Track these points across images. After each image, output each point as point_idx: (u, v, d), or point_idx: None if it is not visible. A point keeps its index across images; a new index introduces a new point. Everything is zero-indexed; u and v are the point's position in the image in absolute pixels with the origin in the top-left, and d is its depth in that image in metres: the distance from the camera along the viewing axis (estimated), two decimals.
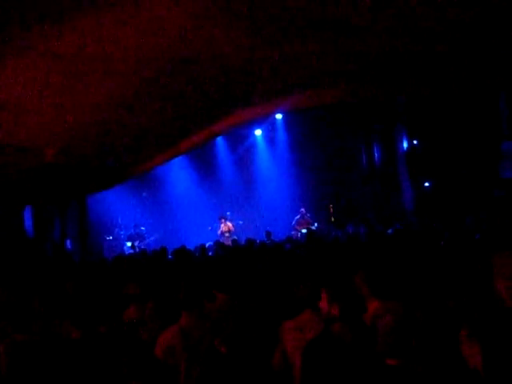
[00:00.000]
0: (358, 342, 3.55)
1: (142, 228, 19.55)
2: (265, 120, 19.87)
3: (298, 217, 19.30)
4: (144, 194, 20.89)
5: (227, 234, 18.93)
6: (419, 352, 3.47)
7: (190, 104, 11.10)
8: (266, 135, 22.09)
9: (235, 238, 16.85)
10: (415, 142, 19.62)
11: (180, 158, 18.76)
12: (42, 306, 5.72)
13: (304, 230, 18.23)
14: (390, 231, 13.57)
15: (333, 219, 19.81)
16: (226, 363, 3.81)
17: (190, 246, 12.80)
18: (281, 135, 21.79)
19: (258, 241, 13.81)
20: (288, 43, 9.03)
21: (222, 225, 19.28)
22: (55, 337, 5.26)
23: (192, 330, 4.74)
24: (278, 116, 20.50)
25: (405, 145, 19.88)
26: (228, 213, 19.84)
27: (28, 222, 17.35)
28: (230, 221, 19.59)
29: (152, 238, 19.40)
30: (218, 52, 9.12)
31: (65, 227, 18.55)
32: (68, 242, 18.17)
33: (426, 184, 19.31)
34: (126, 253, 17.95)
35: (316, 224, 19.25)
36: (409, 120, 19.43)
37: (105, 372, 4.38)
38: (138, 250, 17.60)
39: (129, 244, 18.93)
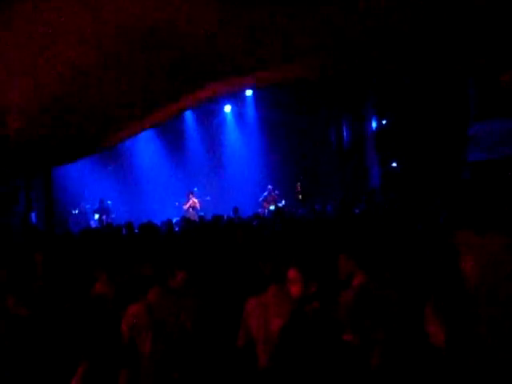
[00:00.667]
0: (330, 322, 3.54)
1: (109, 202, 19.41)
2: (234, 96, 19.77)
3: (266, 194, 19.35)
4: (110, 168, 20.68)
5: (192, 211, 18.88)
6: (379, 329, 3.48)
7: (158, 77, 10.94)
8: (235, 111, 22.00)
9: (202, 214, 16.81)
10: (384, 121, 19.70)
11: (148, 131, 18.59)
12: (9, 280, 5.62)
13: (272, 207, 18.26)
14: (356, 211, 13.67)
15: (300, 197, 19.87)
16: (191, 339, 3.79)
17: (157, 221, 12.73)
18: (250, 112, 21.72)
19: (225, 217, 13.78)
20: (258, 13, 8.92)
21: (190, 200, 19.20)
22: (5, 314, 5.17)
23: (158, 305, 4.71)
24: (248, 92, 20.43)
25: (374, 124, 19.96)
26: (195, 188, 19.77)
27: None
28: (198, 197, 19.52)
29: (117, 214, 19.27)
30: (187, 23, 8.98)
31: (30, 200, 18.30)
32: (33, 215, 17.94)
33: (394, 164, 19.43)
34: (93, 226, 17.82)
35: (283, 201, 19.29)
36: (378, 99, 19.48)
37: (58, 349, 4.33)
38: (104, 223, 17.45)
39: (96, 217, 18.78)
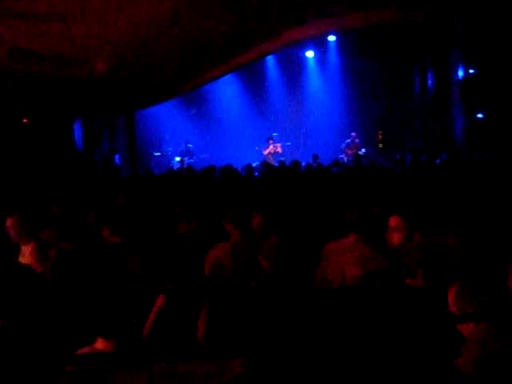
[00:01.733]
0: None
1: (190, 145, 19.67)
2: (317, 42, 19.46)
3: (349, 141, 19.17)
4: (193, 111, 20.90)
5: (271, 156, 18.90)
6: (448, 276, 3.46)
7: (243, 20, 10.89)
8: (317, 57, 21.64)
9: (282, 159, 16.83)
10: (471, 70, 18.96)
11: (230, 77, 18.60)
12: (96, 219, 5.86)
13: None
14: (437, 161, 13.37)
15: (380, 146, 19.55)
16: (270, 279, 3.87)
17: (237, 165, 12.86)
18: (333, 58, 21.29)
19: (304, 163, 13.80)
20: None
21: (270, 146, 19.23)
22: (98, 243, 5.42)
23: (240, 246, 4.83)
24: (331, 38, 19.99)
25: (460, 73, 19.26)
26: (275, 134, 19.75)
27: (78, 135, 17.64)
28: (278, 142, 19.51)
29: (201, 156, 19.56)
30: None
31: (113, 142, 18.81)
32: (117, 156, 18.45)
33: (479, 115, 18.79)
34: (174, 168, 18.14)
35: (364, 150, 19.05)
36: (466, 46, 18.70)
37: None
38: (185, 165, 17.72)
39: (177, 159, 19.09)
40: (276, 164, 15.76)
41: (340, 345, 3.44)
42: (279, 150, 19.25)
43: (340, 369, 3.34)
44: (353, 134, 19.25)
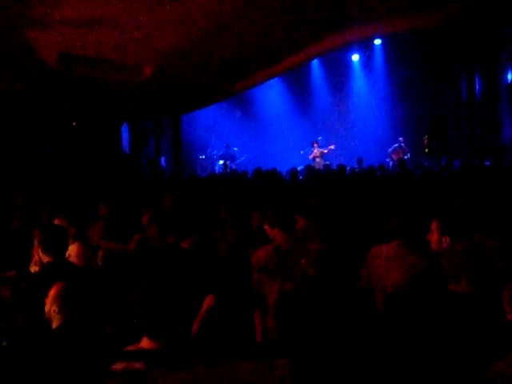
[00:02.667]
0: None
1: (235, 149, 19.78)
2: (363, 45, 19.39)
3: (396, 145, 19.02)
4: (238, 115, 21.03)
5: (318, 159, 18.86)
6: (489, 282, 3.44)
7: (289, 24, 10.95)
8: (363, 61, 21.52)
9: (328, 163, 16.81)
10: None
11: (275, 80, 18.68)
12: (151, 221, 5.98)
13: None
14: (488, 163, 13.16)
15: (426, 150, 19.33)
16: (315, 282, 3.90)
17: (281, 169, 12.91)
18: (379, 62, 21.16)
19: (348, 167, 13.80)
20: None
21: (315, 150, 19.19)
22: (147, 246, 5.53)
23: (286, 248, 4.86)
24: (377, 41, 19.91)
25: (509, 77, 18.92)
26: (320, 137, 19.72)
27: (125, 139, 17.93)
28: (322, 146, 19.46)
29: (243, 158, 19.65)
30: None
31: (159, 144, 19.06)
32: (162, 159, 18.69)
33: None
34: (217, 172, 18.28)
35: (409, 154, 18.86)
36: None
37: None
38: (229, 169, 17.84)
39: (221, 162, 19.22)
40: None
41: (384, 351, 3.45)
42: (326, 151, 19.14)
43: (383, 373, 3.36)
44: (400, 138, 19.09)
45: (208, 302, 4.04)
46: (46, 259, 4.51)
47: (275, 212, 5.11)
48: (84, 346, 3.56)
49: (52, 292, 3.72)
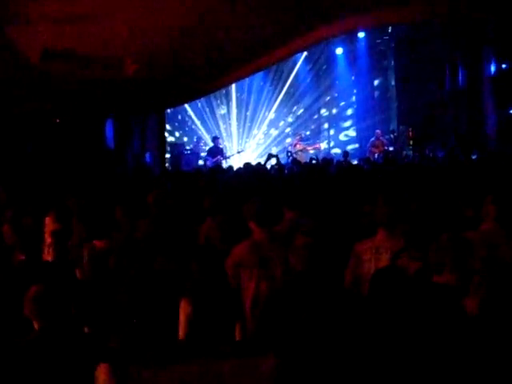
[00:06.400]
0: None
1: (221, 142, 19.72)
2: (346, 39, 19.43)
3: (373, 139, 18.89)
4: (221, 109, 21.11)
5: (300, 153, 18.78)
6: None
7: (271, 17, 10.91)
8: (346, 54, 21.52)
9: (314, 157, 16.84)
10: (504, 65, 18.65)
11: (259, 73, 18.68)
12: (124, 215, 5.94)
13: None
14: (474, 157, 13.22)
15: (411, 142, 19.36)
16: (298, 278, 3.88)
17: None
18: (362, 54, 21.17)
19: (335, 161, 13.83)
20: None
21: (296, 142, 19.13)
22: (131, 242, 5.48)
23: (264, 244, 4.83)
24: (361, 34, 19.93)
25: (492, 68, 18.96)
26: (308, 132, 19.78)
27: (109, 134, 17.80)
28: (305, 140, 19.47)
29: (231, 155, 19.62)
30: None
31: (144, 140, 18.95)
32: (147, 154, 18.59)
33: None
34: (202, 166, 18.19)
35: (392, 147, 18.83)
36: (499, 41, 18.40)
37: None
38: (214, 164, 17.75)
39: (205, 156, 19.17)
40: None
41: (370, 344, 3.45)
42: (310, 149, 19.05)
43: (369, 367, 3.36)
44: (377, 131, 18.93)
45: (184, 308, 4.00)
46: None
47: (252, 206, 5.04)
48: (63, 349, 3.50)
49: (28, 295, 3.67)
